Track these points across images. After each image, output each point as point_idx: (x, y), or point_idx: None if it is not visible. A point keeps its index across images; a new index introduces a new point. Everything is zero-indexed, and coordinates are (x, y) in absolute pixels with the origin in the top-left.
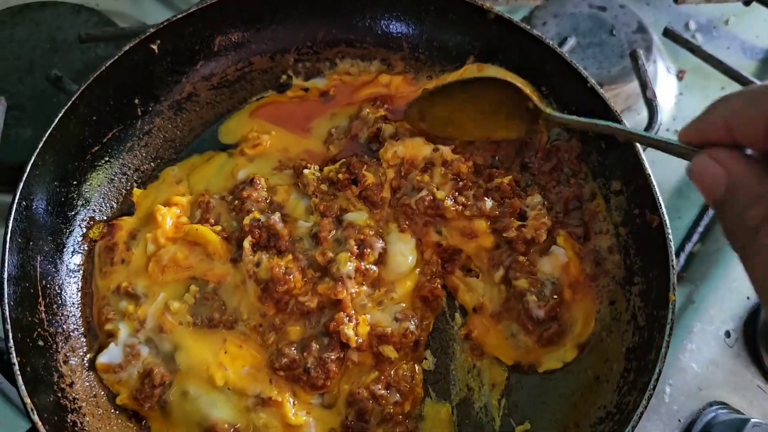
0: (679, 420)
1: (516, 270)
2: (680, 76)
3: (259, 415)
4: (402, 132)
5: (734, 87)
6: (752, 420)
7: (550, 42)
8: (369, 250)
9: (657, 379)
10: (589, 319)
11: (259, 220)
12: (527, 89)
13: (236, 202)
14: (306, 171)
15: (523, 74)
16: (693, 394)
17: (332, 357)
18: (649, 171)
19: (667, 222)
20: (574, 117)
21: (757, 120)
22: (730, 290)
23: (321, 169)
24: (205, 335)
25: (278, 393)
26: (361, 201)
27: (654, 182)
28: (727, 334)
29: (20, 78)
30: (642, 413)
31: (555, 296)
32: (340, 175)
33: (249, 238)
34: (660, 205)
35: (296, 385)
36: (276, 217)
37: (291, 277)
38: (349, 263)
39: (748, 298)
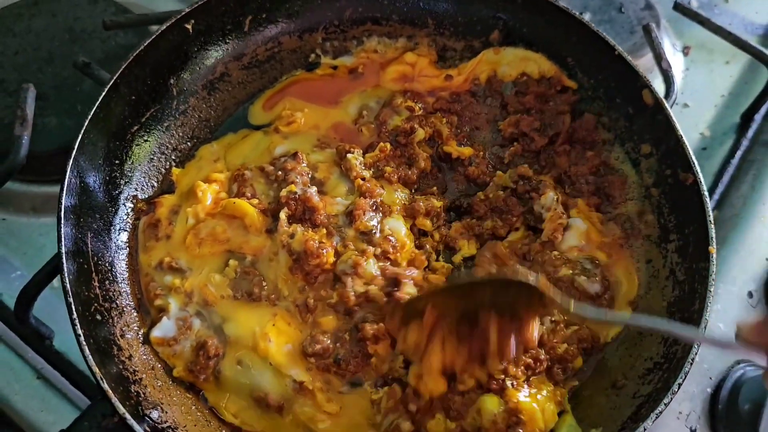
0: (710, 378)
1: (551, 265)
2: (686, 51)
3: (296, 397)
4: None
5: (739, 59)
6: None
7: (576, 12)
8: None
9: (705, 328)
10: (631, 276)
11: (295, 193)
12: (549, 292)
13: (279, 173)
14: (350, 156)
15: (548, 48)
16: (720, 353)
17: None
18: (681, 132)
19: (702, 179)
20: (602, 312)
21: None
22: (750, 253)
23: (363, 155)
24: (253, 308)
25: (311, 381)
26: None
27: (686, 142)
28: (750, 294)
29: (41, 68)
30: (693, 359)
31: (597, 266)
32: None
33: (285, 209)
34: (693, 163)
35: (327, 373)
36: (313, 190)
37: (324, 252)
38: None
39: (766, 259)
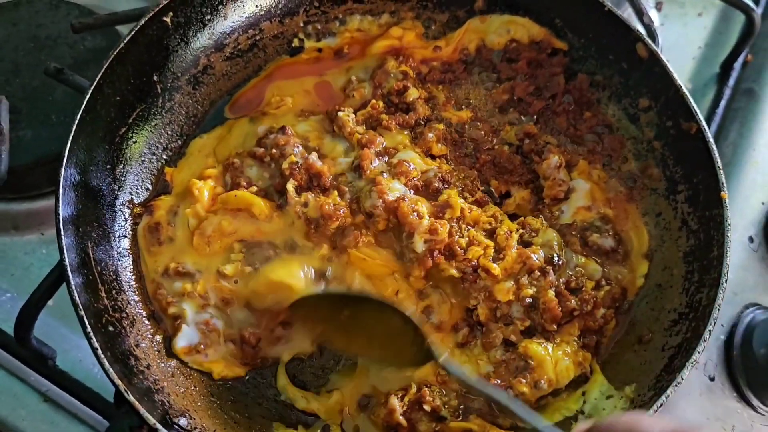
0: (722, 325)
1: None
2: (659, 7)
3: None
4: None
5: (711, 10)
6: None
7: None
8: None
9: (727, 273)
10: (639, 230)
11: (297, 162)
12: (423, 327)
13: (273, 151)
14: (341, 113)
15: (534, 11)
16: (729, 300)
17: None
18: (679, 82)
19: (705, 126)
20: (468, 376)
21: None
22: (746, 198)
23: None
24: (276, 264)
25: None
26: (408, 136)
27: (686, 91)
28: (751, 239)
29: (8, 80)
30: (720, 306)
31: (608, 222)
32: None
33: (291, 180)
34: (696, 111)
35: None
36: (314, 156)
37: (342, 212)
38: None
39: (762, 203)
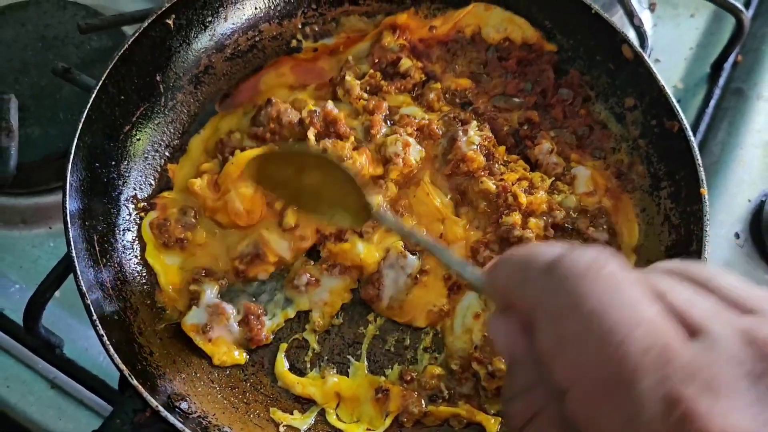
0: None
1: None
2: (652, 8)
3: None
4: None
5: (703, 11)
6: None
7: None
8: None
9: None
10: (631, 223)
11: (315, 111)
12: (359, 181)
13: (272, 125)
14: (348, 77)
15: (525, 12)
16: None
17: None
18: (663, 82)
19: (686, 125)
20: (400, 224)
21: (524, 294)
22: (733, 196)
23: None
24: None
25: None
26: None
27: (669, 92)
28: (737, 235)
29: (17, 79)
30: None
31: (603, 216)
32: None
33: (311, 129)
34: (678, 111)
35: None
36: (330, 104)
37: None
38: (398, 142)
39: (749, 200)
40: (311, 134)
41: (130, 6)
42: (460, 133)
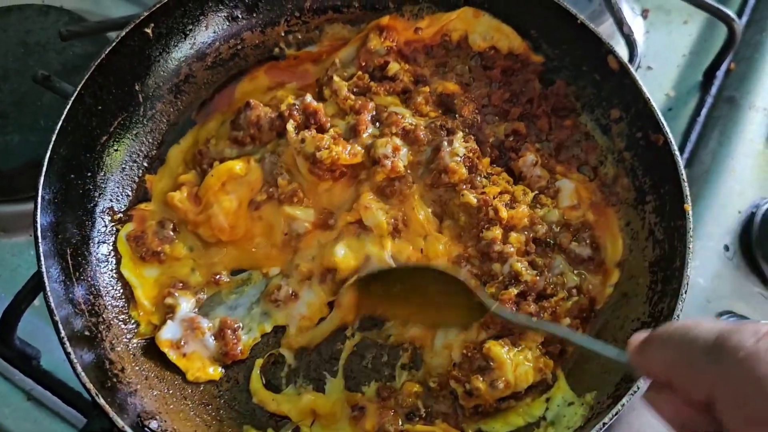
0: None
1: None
2: (645, 14)
3: None
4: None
5: (697, 18)
6: (761, 323)
7: None
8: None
9: (687, 284)
10: (615, 237)
11: (294, 104)
12: (471, 283)
13: (252, 130)
14: (336, 78)
15: (511, 21)
16: (703, 307)
17: None
18: (648, 95)
19: (671, 139)
20: (521, 317)
21: (693, 382)
22: (722, 207)
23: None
24: None
25: None
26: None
27: (654, 104)
28: (726, 247)
29: None
30: (679, 316)
31: (587, 230)
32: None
33: (291, 121)
34: (663, 124)
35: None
36: (308, 97)
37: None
38: (388, 145)
39: (739, 212)
40: (291, 126)
41: (116, 11)
42: (445, 143)
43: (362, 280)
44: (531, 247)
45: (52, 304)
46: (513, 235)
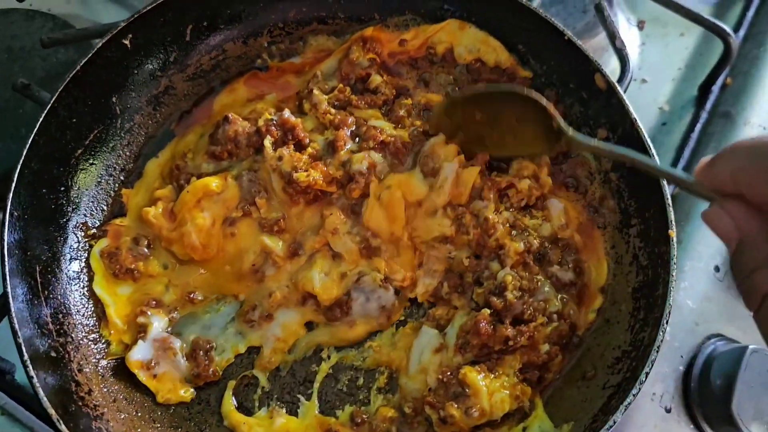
0: (681, 356)
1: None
2: (641, 26)
3: None
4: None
5: (693, 31)
6: (750, 347)
7: None
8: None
9: (669, 313)
10: (600, 261)
11: (272, 119)
12: (551, 109)
13: (229, 146)
14: (316, 91)
15: (498, 35)
16: (691, 330)
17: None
18: (635, 115)
19: (658, 160)
20: (596, 141)
21: (761, 183)
22: None
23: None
24: None
25: None
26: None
27: (641, 126)
28: (716, 268)
29: None
30: (659, 347)
31: (572, 254)
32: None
33: (268, 137)
34: (649, 146)
35: None
36: (287, 112)
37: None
38: (364, 161)
39: None
40: (268, 143)
41: (106, 16)
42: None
43: (448, 105)
44: (529, 258)
45: (16, 326)
46: (514, 244)
